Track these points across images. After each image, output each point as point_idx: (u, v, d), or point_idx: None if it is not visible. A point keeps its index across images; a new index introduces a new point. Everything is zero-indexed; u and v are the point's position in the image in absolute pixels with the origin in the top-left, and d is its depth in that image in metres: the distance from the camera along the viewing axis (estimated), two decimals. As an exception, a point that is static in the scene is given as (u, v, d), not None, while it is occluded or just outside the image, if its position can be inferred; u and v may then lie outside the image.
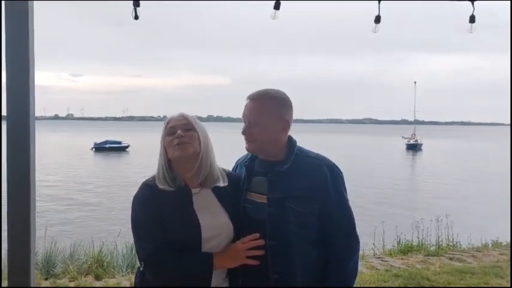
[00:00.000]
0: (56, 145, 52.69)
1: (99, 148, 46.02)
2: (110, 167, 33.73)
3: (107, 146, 46.68)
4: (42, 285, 5.35)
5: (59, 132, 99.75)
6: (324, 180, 1.94)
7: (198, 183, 1.95)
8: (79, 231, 11.30)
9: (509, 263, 5.65)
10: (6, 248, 1.83)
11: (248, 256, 1.88)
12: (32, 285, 1.82)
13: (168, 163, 1.93)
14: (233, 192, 2.01)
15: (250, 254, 1.88)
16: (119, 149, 46.44)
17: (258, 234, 1.89)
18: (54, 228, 8.82)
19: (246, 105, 2.02)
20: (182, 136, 1.88)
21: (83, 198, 19.21)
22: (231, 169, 2.21)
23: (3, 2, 1.79)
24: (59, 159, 36.66)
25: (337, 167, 2.03)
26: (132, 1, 2.09)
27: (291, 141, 2.05)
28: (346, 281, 1.95)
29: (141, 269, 1.91)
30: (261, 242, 1.89)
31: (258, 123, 1.97)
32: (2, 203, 1.93)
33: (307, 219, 1.93)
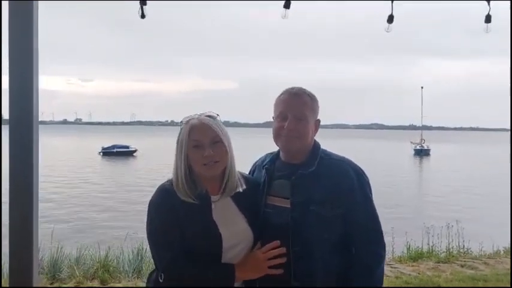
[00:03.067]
0: (64, 149, 53.02)
1: (107, 152, 46.19)
2: (116, 171, 33.80)
3: (115, 150, 46.83)
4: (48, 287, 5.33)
5: (67, 136, 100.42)
6: (351, 184, 1.88)
7: (217, 190, 1.88)
8: (85, 236, 11.27)
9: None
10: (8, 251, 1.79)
11: (270, 266, 1.80)
12: (34, 285, 1.79)
13: (189, 170, 1.84)
14: (252, 197, 1.93)
15: (272, 264, 1.80)
16: (126, 153, 46.56)
17: (278, 242, 1.82)
18: (59, 233, 8.79)
19: (285, 101, 1.93)
20: (213, 155, 1.80)
21: (90, 202, 19.21)
22: (248, 172, 2.14)
23: (7, 2, 1.76)
24: (66, 163, 36.85)
25: (362, 170, 1.97)
26: (139, 1, 2.04)
27: (315, 144, 2.00)
28: (375, 284, 1.88)
29: (160, 280, 1.81)
30: (283, 249, 1.81)
31: (303, 118, 1.90)
32: (4, 205, 1.91)
33: (332, 224, 1.86)
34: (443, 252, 7.25)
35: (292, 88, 1.97)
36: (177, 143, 1.87)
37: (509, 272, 5.61)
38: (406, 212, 17.97)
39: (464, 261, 6.38)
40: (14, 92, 1.75)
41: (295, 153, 1.95)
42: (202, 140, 1.81)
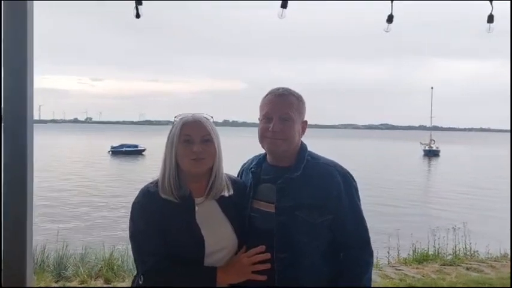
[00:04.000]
0: (74, 148, 53.40)
1: (116, 152, 46.44)
2: (125, 170, 33.95)
3: (124, 149, 47.07)
4: (52, 286, 5.37)
5: (78, 135, 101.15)
6: (337, 188, 1.83)
7: (203, 192, 1.85)
8: (90, 234, 11.34)
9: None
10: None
11: (254, 271, 1.77)
12: (28, 285, 1.79)
13: (177, 169, 1.82)
14: (239, 201, 1.89)
15: (256, 269, 1.76)
16: (135, 152, 46.77)
17: (264, 247, 1.78)
18: (65, 231, 8.85)
19: (271, 101, 1.89)
20: (200, 152, 1.78)
21: (97, 200, 19.30)
22: (236, 174, 2.10)
23: (2, 2, 1.76)
24: (75, 161, 37.13)
25: (350, 174, 1.92)
26: (135, 1, 2.03)
27: (302, 146, 1.95)
28: None
29: (140, 282, 1.80)
30: (268, 255, 1.78)
31: (289, 119, 1.86)
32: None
33: (318, 230, 1.81)
34: (450, 254, 7.17)
35: (278, 88, 1.92)
36: (168, 138, 1.85)
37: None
38: (412, 213, 17.83)
39: (470, 264, 6.29)
40: (8, 92, 1.76)
41: (281, 156, 1.90)
42: (193, 136, 1.80)
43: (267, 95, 1.93)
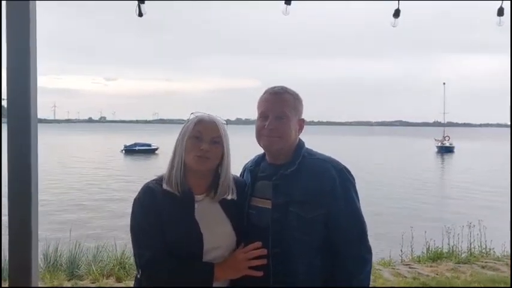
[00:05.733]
0: (89, 147, 54.04)
1: (129, 150, 46.84)
2: (138, 168, 34.21)
3: (137, 148, 47.45)
4: (64, 286, 5.42)
5: (93, 134, 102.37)
6: (332, 184, 1.82)
7: (203, 190, 1.88)
8: (103, 233, 11.43)
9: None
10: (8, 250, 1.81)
11: (250, 266, 1.78)
12: (32, 285, 1.79)
13: (184, 164, 1.85)
14: (239, 199, 1.91)
15: (252, 264, 1.77)
16: (148, 151, 47.10)
17: (260, 243, 1.79)
18: (76, 233, 8.94)
19: (267, 100, 1.91)
20: (207, 151, 1.80)
21: (109, 199, 19.48)
22: (239, 174, 2.10)
23: (4, 2, 1.76)
24: (88, 160, 37.57)
25: (347, 170, 1.90)
26: (137, 1, 2.02)
27: (299, 143, 1.96)
28: None
29: (138, 276, 1.83)
30: (264, 251, 1.78)
31: (284, 117, 1.87)
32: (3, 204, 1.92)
33: (312, 225, 1.81)
34: (464, 252, 7.07)
35: (274, 87, 1.94)
36: (180, 133, 1.88)
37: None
38: (427, 210, 17.65)
39: (486, 262, 6.20)
40: (12, 92, 1.76)
41: (277, 153, 1.92)
42: (204, 134, 1.83)
43: (263, 93, 1.95)
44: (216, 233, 1.82)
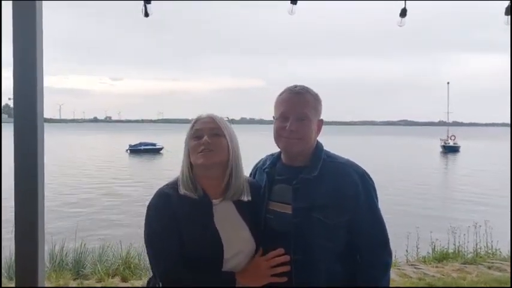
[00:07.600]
0: (94, 147, 54.21)
1: (134, 150, 46.91)
2: (143, 168, 34.30)
3: (142, 148, 47.51)
4: (70, 285, 5.44)
5: (98, 134, 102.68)
6: (355, 188, 1.78)
7: (220, 193, 1.80)
8: (108, 233, 11.45)
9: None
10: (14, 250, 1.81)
11: (273, 274, 1.73)
12: (39, 285, 1.79)
13: (191, 168, 1.80)
14: (254, 202, 1.84)
15: (275, 272, 1.72)
16: (153, 151, 47.16)
17: (282, 250, 1.74)
18: (83, 234, 8.96)
19: (287, 100, 1.84)
20: (208, 143, 1.74)
21: (114, 198, 19.49)
22: (248, 174, 2.04)
23: (10, 2, 1.76)
24: (94, 160, 37.68)
25: (367, 174, 1.86)
26: (143, 1, 2.01)
27: (318, 145, 1.90)
28: None
29: (157, 286, 1.75)
30: (287, 257, 1.74)
31: (305, 118, 1.81)
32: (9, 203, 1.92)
33: (335, 231, 1.77)
34: (470, 253, 7.02)
35: (295, 86, 1.87)
36: (185, 138, 1.85)
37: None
38: (432, 210, 17.55)
39: (492, 262, 6.15)
40: (18, 92, 1.76)
41: (297, 156, 1.86)
42: (202, 130, 1.79)
43: (282, 92, 1.88)
44: (236, 239, 1.75)
